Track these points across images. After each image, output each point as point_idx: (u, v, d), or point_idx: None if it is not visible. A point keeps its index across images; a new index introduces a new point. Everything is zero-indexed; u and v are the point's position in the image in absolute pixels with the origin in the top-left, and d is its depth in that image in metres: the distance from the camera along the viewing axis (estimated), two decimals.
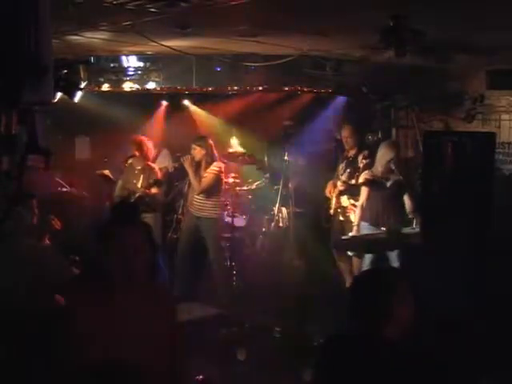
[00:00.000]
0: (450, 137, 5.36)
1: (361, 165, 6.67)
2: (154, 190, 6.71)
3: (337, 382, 2.64)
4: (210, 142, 6.77)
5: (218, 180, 6.73)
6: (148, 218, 6.64)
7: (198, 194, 6.68)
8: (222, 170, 6.83)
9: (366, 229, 6.13)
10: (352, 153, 6.82)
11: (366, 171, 6.30)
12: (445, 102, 7.36)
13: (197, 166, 6.70)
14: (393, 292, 2.57)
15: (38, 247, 4.74)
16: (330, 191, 6.90)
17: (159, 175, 6.90)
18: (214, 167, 6.68)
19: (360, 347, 2.58)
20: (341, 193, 6.75)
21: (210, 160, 6.69)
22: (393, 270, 3.53)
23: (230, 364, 5.13)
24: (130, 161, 7.03)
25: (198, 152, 6.67)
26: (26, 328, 4.19)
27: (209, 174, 6.64)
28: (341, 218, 6.82)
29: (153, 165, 6.93)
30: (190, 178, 6.71)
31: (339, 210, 6.83)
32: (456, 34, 4.67)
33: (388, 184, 6.12)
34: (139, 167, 6.84)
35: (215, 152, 6.78)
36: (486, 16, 3.88)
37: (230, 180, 7.19)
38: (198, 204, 6.74)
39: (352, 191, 6.67)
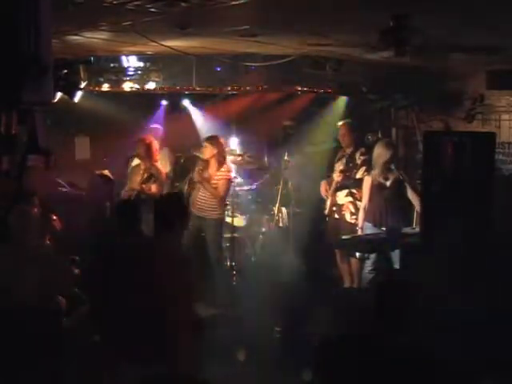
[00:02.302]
0: (450, 137, 5.37)
1: (359, 161, 6.67)
2: (153, 188, 6.69)
3: (337, 382, 2.64)
4: (222, 141, 6.77)
5: (230, 184, 6.76)
6: (151, 218, 6.64)
7: (215, 199, 6.65)
8: (232, 172, 6.86)
9: (370, 229, 6.13)
10: (349, 151, 6.82)
11: (367, 175, 6.31)
12: (445, 102, 7.36)
13: (205, 165, 6.69)
14: (410, 302, 2.61)
15: (41, 247, 4.75)
16: (326, 190, 6.90)
17: (163, 175, 6.89)
18: (226, 172, 6.67)
19: (358, 347, 2.59)
20: (337, 189, 6.74)
21: (222, 160, 6.68)
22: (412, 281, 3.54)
23: (229, 364, 5.12)
24: (134, 161, 7.02)
25: (209, 150, 6.66)
26: (28, 327, 4.19)
27: (222, 180, 6.63)
28: (336, 216, 6.81)
29: (158, 165, 6.91)
30: (205, 186, 6.65)
31: (334, 209, 6.82)
32: (456, 34, 4.67)
33: (388, 183, 6.13)
34: (144, 167, 6.82)
35: (225, 153, 6.79)
36: (486, 16, 3.88)
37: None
38: (201, 204, 6.72)
39: (349, 185, 6.67)
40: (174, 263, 3.71)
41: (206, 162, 6.72)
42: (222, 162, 6.67)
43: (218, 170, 6.66)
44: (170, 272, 3.61)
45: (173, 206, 3.89)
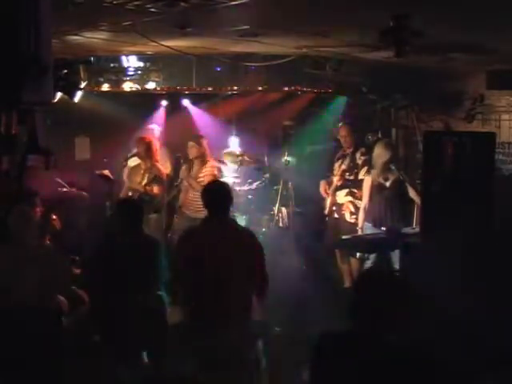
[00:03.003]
0: (450, 137, 5.36)
1: (359, 161, 6.67)
2: (155, 190, 6.68)
3: (333, 381, 2.64)
4: (204, 140, 6.82)
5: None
6: (152, 218, 6.65)
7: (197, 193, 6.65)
8: (219, 169, 6.88)
9: (370, 229, 6.13)
10: (349, 151, 6.82)
11: (367, 177, 6.32)
12: (445, 102, 7.36)
13: (190, 164, 6.75)
14: (396, 294, 2.58)
15: (41, 247, 4.75)
16: (326, 189, 6.90)
17: (164, 175, 6.89)
18: (211, 167, 6.70)
19: (357, 346, 2.58)
20: (337, 188, 6.74)
21: (205, 159, 6.75)
22: (395, 272, 3.55)
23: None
24: (133, 161, 7.02)
25: (195, 150, 6.72)
26: (28, 327, 4.20)
27: (208, 176, 6.62)
28: (336, 216, 6.81)
29: (159, 165, 6.90)
30: (192, 184, 6.70)
31: (334, 208, 6.82)
32: (456, 34, 4.67)
33: (387, 184, 6.13)
34: (145, 167, 6.82)
35: (208, 151, 6.84)
36: (486, 16, 3.88)
37: (230, 180, 7.18)
38: (196, 205, 6.70)
39: (349, 185, 6.67)
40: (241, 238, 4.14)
41: (191, 161, 6.80)
42: (205, 160, 6.72)
43: (203, 167, 6.70)
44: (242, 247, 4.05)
45: (223, 192, 4.20)
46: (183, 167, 6.98)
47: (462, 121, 7.29)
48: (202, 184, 6.62)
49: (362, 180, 6.52)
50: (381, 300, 2.57)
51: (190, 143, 6.75)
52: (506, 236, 5.09)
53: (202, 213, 6.62)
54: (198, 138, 6.83)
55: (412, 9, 3.75)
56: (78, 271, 5.21)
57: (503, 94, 6.94)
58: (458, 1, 3.53)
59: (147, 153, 6.78)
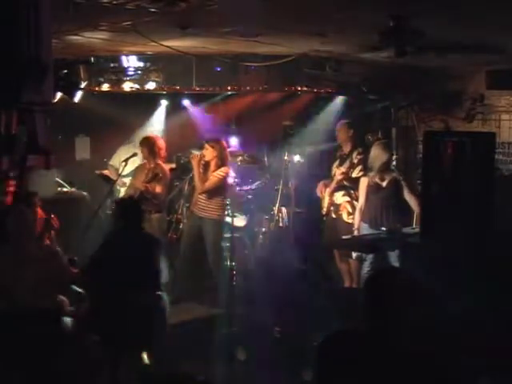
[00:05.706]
0: (450, 137, 5.36)
1: (355, 160, 6.67)
2: (157, 189, 6.66)
3: (338, 380, 2.64)
4: (224, 144, 6.70)
5: (222, 183, 6.67)
6: (154, 218, 6.64)
7: (200, 194, 6.63)
8: (229, 174, 6.76)
9: (366, 230, 6.12)
10: (346, 150, 6.81)
11: (363, 176, 6.32)
12: (445, 101, 7.37)
13: (205, 166, 6.64)
14: (406, 294, 2.59)
15: (40, 247, 4.74)
16: (322, 191, 6.90)
17: (168, 176, 6.86)
18: (221, 171, 6.59)
19: (363, 346, 2.59)
20: (335, 190, 6.74)
21: (221, 163, 6.58)
22: (406, 272, 3.53)
23: (229, 364, 5.12)
24: (134, 161, 7.02)
25: (209, 152, 6.59)
26: (28, 327, 4.20)
27: (214, 177, 6.56)
28: (333, 216, 6.82)
29: (163, 165, 6.87)
30: (195, 176, 6.62)
31: (332, 208, 6.82)
32: (456, 34, 4.67)
33: (384, 184, 6.11)
34: (149, 167, 6.81)
35: (228, 155, 6.74)
36: (486, 16, 3.88)
37: (230, 180, 7.17)
38: (201, 204, 6.68)
39: (347, 186, 6.68)
40: None
41: (208, 163, 6.69)
42: (221, 165, 6.60)
43: (215, 170, 6.60)
44: None
45: None
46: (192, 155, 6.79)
47: (461, 121, 7.30)
48: (206, 186, 6.61)
49: (356, 178, 6.53)
50: (389, 300, 2.57)
51: (206, 145, 6.65)
52: (506, 236, 5.09)
53: (207, 212, 6.70)
54: (214, 141, 6.64)
55: (412, 9, 3.75)
56: (77, 271, 5.20)
57: (503, 94, 6.95)
58: (458, 1, 3.53)
59: (152, 152, 6.76)
